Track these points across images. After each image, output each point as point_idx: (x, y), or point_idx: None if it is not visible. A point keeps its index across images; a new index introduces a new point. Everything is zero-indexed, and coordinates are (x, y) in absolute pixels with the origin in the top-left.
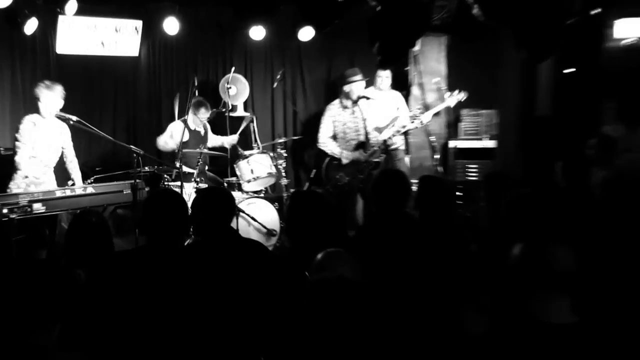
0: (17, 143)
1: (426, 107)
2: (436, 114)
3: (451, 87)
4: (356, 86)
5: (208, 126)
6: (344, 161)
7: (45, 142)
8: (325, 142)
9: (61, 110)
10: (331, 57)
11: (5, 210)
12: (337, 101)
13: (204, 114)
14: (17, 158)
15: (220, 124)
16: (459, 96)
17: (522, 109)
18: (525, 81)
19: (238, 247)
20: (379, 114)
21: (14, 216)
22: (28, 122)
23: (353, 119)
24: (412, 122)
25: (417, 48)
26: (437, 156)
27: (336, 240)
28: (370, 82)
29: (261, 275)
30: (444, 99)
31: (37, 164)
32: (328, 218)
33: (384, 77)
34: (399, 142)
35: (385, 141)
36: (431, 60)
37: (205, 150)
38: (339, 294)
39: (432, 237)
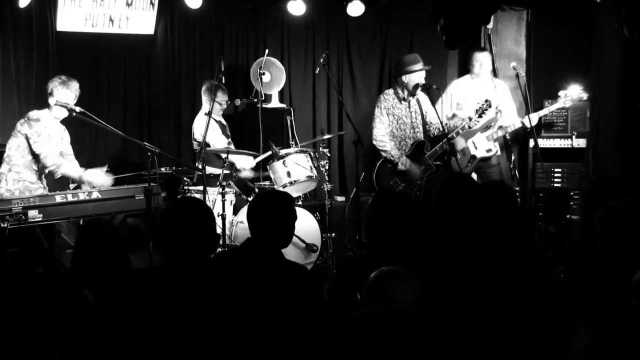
0: (39, 143)
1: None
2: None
3: (534, 73)
4: (416, 76)
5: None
6: (400, 167)
7: (53, 142)
8: (383, 141)
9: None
10: (386, 37)
11: None
12: (391, 90)
13: (222, 96)
14: (49, 159)
15: (251, 117)
16: (578, 94)
17: (623, 100)
18: (629, 65)
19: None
20: (472, 110)
21: (5, 225)
22: (46, 119)
23: (409, 114)
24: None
25: (490, 25)
26: (514, 157)
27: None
28: (462, 68)
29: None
30: (523, 88)
31: (32, 169)
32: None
33: (483, 61)
34: (494, 149)
35: (450, 138)
36: (508, 41)
37: (232, 148)
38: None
39: (505, 258)
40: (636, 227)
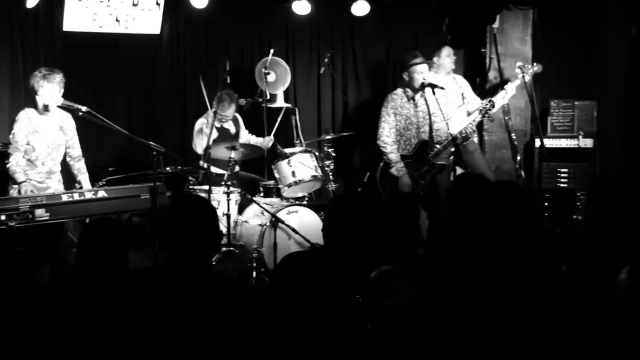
0: (10, 147)
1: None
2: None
3: (540, 73)
4: (417, 71)
5: (240, 120)
6: (393, 172)
7: (44, 141)
8: (385, 142)
9: (66, 98)
10: (390, 36)
11: (3, 217)
12: (400, 90)
13: (226, 110)
14: (10, 166)
15: (256, 116)
16: (533, 68)
17: (629, 100)
18: (635, 65)
19: None
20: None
21: (13, 224)
22: (23, 120)
23: (416, 113)
24: (486, 115)
25: (496, 25)
26: (519, 157)
27: (401, 258)
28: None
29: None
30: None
31: (37, 169)
32: (378, 229)
33: (444, 55)
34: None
35: (455, 138)
36: (514, 40)
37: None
38: (407, 323)
39: (513, 258)
40: (617, 232)
